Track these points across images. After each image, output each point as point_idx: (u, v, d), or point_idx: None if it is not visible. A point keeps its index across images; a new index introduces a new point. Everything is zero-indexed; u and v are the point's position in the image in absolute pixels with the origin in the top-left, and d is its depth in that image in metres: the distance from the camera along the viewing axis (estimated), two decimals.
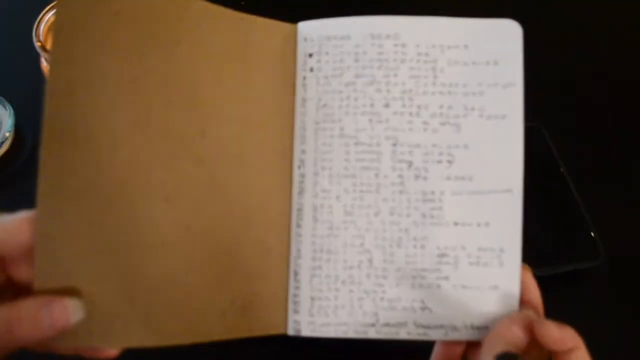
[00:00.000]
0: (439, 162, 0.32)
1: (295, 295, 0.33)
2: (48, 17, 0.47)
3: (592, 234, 0.48)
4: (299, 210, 0.33)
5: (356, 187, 0.33)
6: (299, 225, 0.33)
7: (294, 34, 0.35)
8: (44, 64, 0.47)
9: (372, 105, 0.33)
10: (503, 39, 0.35)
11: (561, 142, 0.53)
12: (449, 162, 0.33)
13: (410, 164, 0.33)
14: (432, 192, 0.32)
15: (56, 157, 0.27)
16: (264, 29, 0.35)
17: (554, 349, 0.31)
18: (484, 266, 0.32)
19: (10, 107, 0.57)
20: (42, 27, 0.47)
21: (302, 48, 0.34)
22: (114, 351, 0.29)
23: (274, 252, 0.33)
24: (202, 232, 0.31)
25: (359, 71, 0.33)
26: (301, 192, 0.33)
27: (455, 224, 0.32)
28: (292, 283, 0.33)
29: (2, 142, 0.56)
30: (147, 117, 0.29)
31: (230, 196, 0.31)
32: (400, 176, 0.32)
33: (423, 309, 0.32)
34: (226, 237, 0.31)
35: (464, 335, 0.32)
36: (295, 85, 0.33)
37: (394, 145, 0.33)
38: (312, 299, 0.33)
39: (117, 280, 0.28)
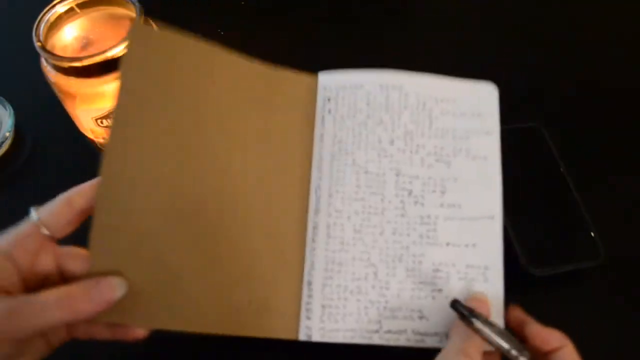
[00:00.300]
0: (434, 191, 0.39)
1: (308, 303, 0.37)
2: (48, 17, 0.47)
3: (592, 234, 0.48)
4: (315, 227, 0.38)
5: (365, 209, 0.38)
6: (314, 240, 0.38)
7: (315, 83, 0.41)
8: (44, 64, 0.47)
9: (379, 141, 0.39)
10: (484, 97, 0.41)
11: (561, 142, 0.53)
12: (442, 192, 0.39)
13: (410, 192, 0.39)
14: (428, 217, 0.38)
15: (111, 192, 0.33)
16: (290, 79, 0.41)
17: (541, 347, 0.34)
18: (471, 281, 0.37)
19: (10, 107, 0.57)
20: (42, 27, 0.47)
21: (322, 94, 0.41)
22: (142, 332, 0.34)
23: (290, 263, 0.37)
24: (227, 238, 0.36)
25: (369, 113, 0.40)
26: (317, 211, 0.38)
27: (447, 244, 0.38)
28: (305, 292, 0.37)
29: (2, 142, 0.56)
30: (184, 156, 0.35)
31: (254, 211, 0.37)
32: (402, 202, 0.38)
33: (421, 318, 0.36)
34: (249, 246, 0.36)
35: None
36: (315, 124, 0.40)
37: (397, 175, 0.39)
38: (323, 306, 0.37)
39: (151, 271, 0.33)
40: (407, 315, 0.36)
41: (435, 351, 0.34)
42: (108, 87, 0.46)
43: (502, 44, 0.67)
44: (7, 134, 0.56)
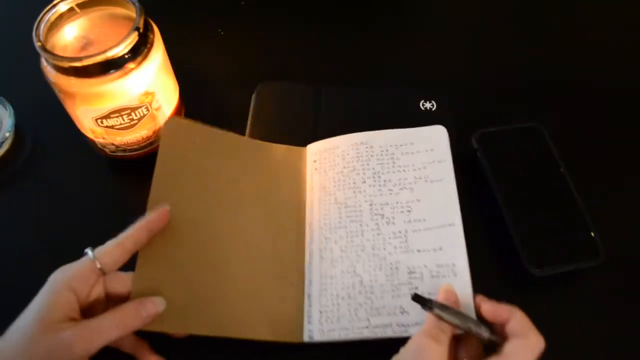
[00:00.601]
0: (402, 212, 0.48)
1: (309, 312, 0.45)
2: (48, 17, 0.47)
3: (592, 234, 0.48)
4: (310, 253, 0.48)
5: (347, 234, 0.48)
6: (310, 263, 0.48)
7: (305, 152, 0.54)
8: (44, 64, 0.47)
9: (354, 183, 0.50)
10: (435, 136, 0.51)
11: (561, 142, 0.53)
12: (408, 211, 0.48)
13: (382, 215, 0.48)
14: (399, 232, 0.47)
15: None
16: (287, 152, 0.54)
17: (495, 322, 0.40)
18: (442, 277, 0.44)
19: (10, 107, 0.57)
20: (42, 27, 0.47)
21: (310, 158, 0.54)
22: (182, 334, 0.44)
23: (294, 284, 0.47)
24: (241, 265, 0.46)
25: (344, 164, 0.52)
26: (311, 241, 0.49)
27: (418, 250, 0.46)
28: (306, 303, 0.46)
29: (2, 142, 0.56)
30: (210, 204, 0.48)
31: (264, 244, 0.48)
32: (376, 224, 0.48)
33: (402, 312, 0.43)
34: (263, 274, 0.46)
35: None
36: (307, 180, 0.52)
37: (371, 205, 0.49)
38: (321, 312, 0.44)
39: (181, 291, 0.42)
40: (391, 312, 0.43)
41: None
42: (108, 87, 0.46)
43: (502, 44, 0.67)
44: (7, 134, 0.56)
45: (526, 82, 0.63)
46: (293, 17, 0.71)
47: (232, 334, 0.43)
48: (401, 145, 0.52)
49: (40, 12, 0.48)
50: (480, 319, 0.40)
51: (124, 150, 0.53)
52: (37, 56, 0.47)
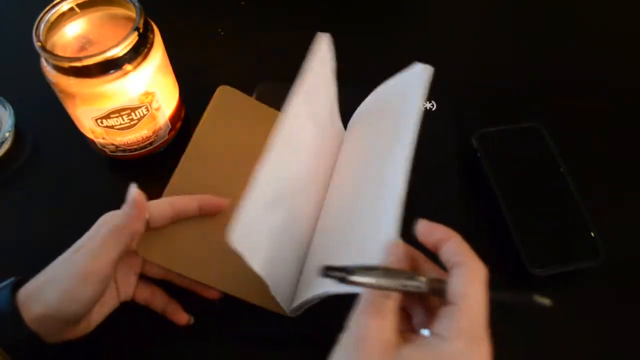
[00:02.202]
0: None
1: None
2: (48, 17, 0.47)
3: (592, 234, 0.48)
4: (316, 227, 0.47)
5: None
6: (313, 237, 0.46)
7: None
8: (44, 64, 0.47)
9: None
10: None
11: (561, 142, 0.53)
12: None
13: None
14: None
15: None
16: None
17: (426, 241, 0.34)
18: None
19: (10, 107, 0.57)
20: (42, 27, 0.47)
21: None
22: (185, 317, 0.44)
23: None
24: None
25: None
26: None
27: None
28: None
29: (2, 142, 0.56)
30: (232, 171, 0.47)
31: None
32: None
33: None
34: None
35: None
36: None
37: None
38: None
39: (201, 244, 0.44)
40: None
41: None
42: (108, 87, 0.46)
43: (502, 44, 0.67)
44: (7, 134, 0.56)
45: (526, 82, 0.63)
46: (293, 17, 0.71)
47: (226, 289, 0.43)
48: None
49: (40, 12, 0.48)
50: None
51: (124, 150, 0.53)
52: (37, 56, 0.47)
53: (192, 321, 0.45)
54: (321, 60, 0.48)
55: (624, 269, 0.49)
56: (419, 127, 0.41)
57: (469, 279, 0.31)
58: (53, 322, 0.37)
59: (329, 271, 0.31)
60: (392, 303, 0.31)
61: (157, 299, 0.44)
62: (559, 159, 0.52)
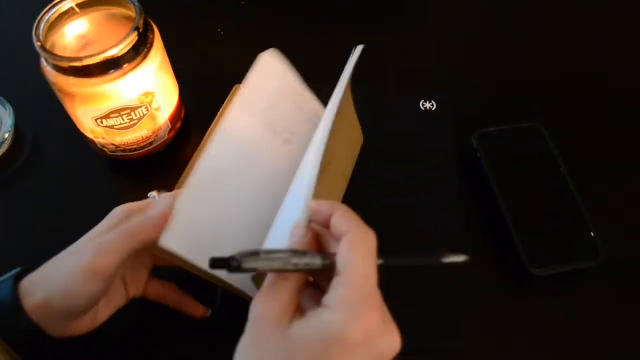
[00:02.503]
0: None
1: None
2: (48, 17, 0.47)
3: (592, 234, 0.48)
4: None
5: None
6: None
7: None
8: (44, 64, 0.47)
9: None
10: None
11: (561, 142, 0.53)
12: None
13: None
14: None
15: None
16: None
17: (316, 219, 0.34)
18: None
19: (10, 107, 0.57)
20: (42, 27, 0.47)
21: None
22: (202, 309, 0.44)
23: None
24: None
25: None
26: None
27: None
28: None
29: (2, 142, 0.56)
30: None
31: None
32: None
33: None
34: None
35: None
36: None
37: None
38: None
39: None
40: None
41: None
42: (108, 87, 0.46)
43: (502, 44, 0.67)
44: (7, 134, 0.56)
45: (526, 82, 0.63)
46: (293, 17, 0.71)
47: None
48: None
49: (40, 12, 0.48)
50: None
51: (124, 150, 0.53)
52: (37, 56, 0.47)
53: (208, 313, 0.44)
54: (272, 75, 0.49)
55: (624, 269, 0.49)
56: (342, 98, 0.43)
57: (350, 248, 0.31)
58: (54, 312, 0.37)
59: (216, 263, 0.30)
60: (288, 283, 0.31)
61: (170, 293, 0.44)
62: (559, 159, 0.52)
